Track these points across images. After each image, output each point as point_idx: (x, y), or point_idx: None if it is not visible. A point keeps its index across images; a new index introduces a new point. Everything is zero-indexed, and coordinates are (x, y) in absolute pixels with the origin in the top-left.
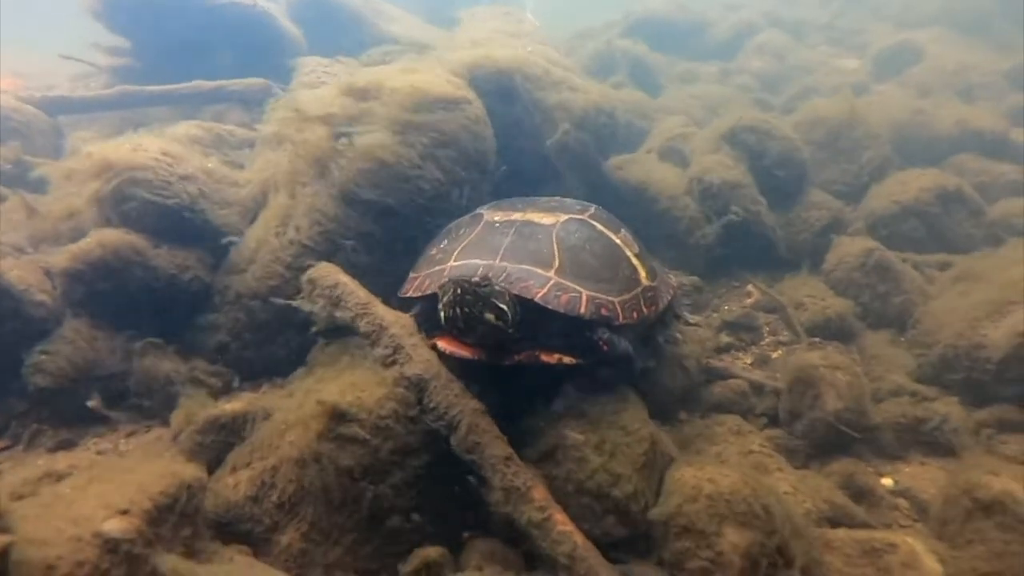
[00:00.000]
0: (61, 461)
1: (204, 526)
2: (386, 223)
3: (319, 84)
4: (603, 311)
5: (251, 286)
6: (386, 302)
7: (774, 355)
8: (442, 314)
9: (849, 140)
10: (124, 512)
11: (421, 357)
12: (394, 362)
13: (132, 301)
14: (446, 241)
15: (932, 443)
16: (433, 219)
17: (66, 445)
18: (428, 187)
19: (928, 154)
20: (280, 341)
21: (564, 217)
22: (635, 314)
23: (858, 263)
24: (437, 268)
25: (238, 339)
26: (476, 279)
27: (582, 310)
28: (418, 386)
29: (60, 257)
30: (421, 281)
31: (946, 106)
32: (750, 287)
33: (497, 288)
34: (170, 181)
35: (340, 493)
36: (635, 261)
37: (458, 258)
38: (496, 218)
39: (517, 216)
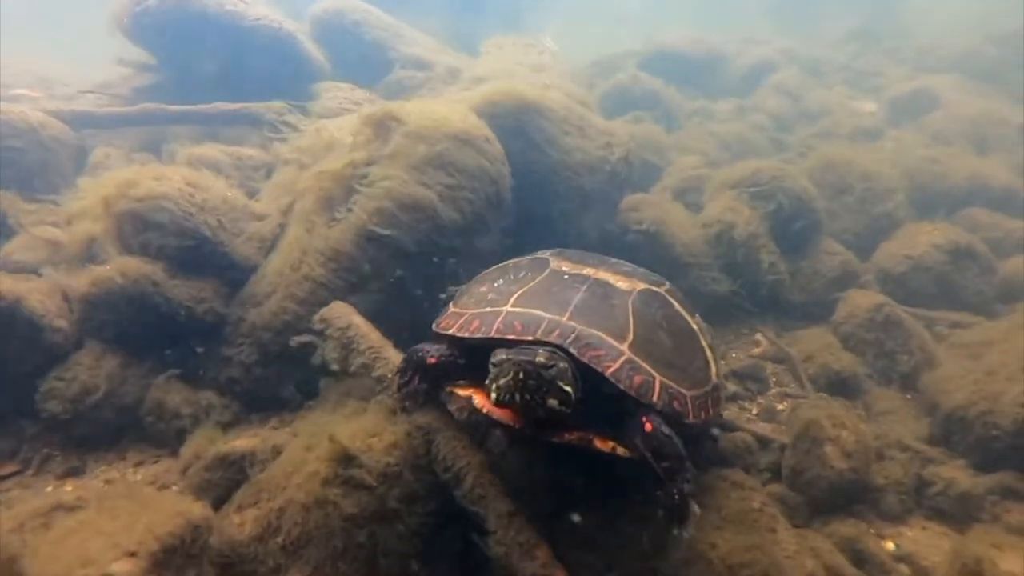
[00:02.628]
0: (70, 492)
1: (209, 565)
2: (402, 262)
3: (341, 111)
4: (675, 404)
5: (265, 320)
6: (399, 344)
7: (780, 407)
8: (493, 394)
9: (862, 189)
10: (132, 554)
11: (432, 406)
12: (404, 409)
13: (148, 329)
14: (501, 281)
15: (935, 507)
16: (452, 259)
17: (75, 472)
18: (447, 226)
19: (940, 204)
20: (289, 376)
21: (641, 285)
22: (703, 414)
23: (867, 318)
24: (490, 310)
25: (248, 373)
26: (541, 360)
27: (654, 398)
28: (427, 435)
29: (80, 281)
30: (468, 320)
31: (960, 157)
32: (758, 336)
33: (562, 365)
34: (191, 212)
35: (344, 539)
36: (709, 353)
37: (517, 303)
38: (564, 268)
39: (588, 272)
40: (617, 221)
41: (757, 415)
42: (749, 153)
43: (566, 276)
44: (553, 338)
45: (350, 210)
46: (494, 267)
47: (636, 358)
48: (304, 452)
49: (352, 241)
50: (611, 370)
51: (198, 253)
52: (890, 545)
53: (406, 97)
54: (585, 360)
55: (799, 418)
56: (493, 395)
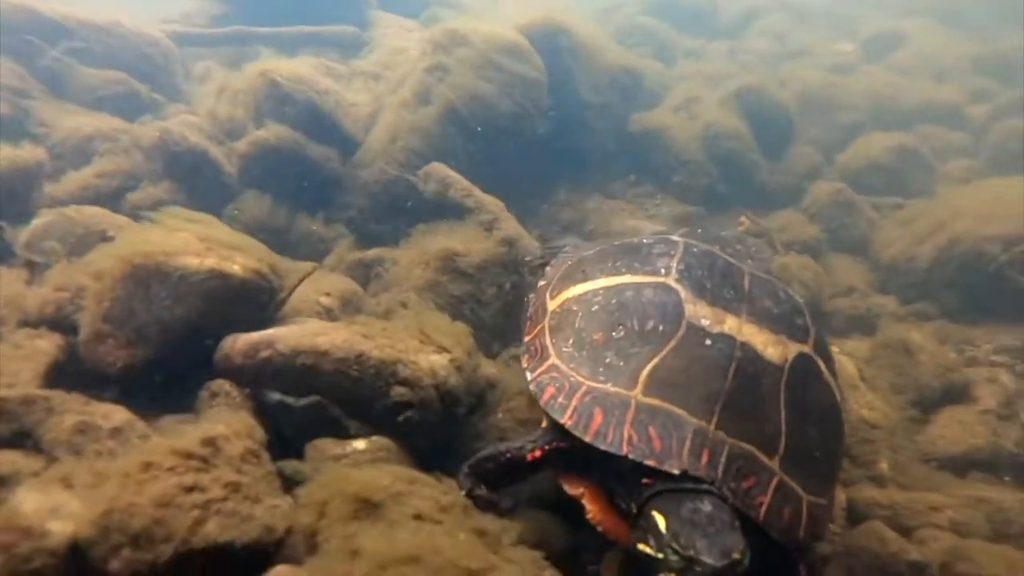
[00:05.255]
0: None
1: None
2: (470, 139)
3: (396, 35)
4: (818, 531)
5: (373, 176)
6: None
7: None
8: (653, 560)
9: (832, 106)
10: (327, 294)
11: (513, 226)
12: (491, 227)
13: (292, 180)
14: (622, 330)
15: (872, 325)
16: (505, 140)
17: None
18: (504, 115)
19: (898, 123)
20: (393, 218)
21: (793, 350)
22: (831, 516)
23: (829, 200)
24: (613, 390)
25: (362, 214)
26: (737, 557)
27: (801, 535)
28: (510, 243)
29: (242, 144)
30: (586, 405)
31: (917, 84)
32: (742, 217)
33: (745, 559)
34: (319, 92)
35: (452, 312)
36: (845, 428)
37: (650, 388)
38: (703, 322)
39: (732, 326)
40: (629, 128)
41: None
42: None
43: (708, 341)
44: (703, 469)
45: (431, 101)
46: (602, 272)
47: (786, 478)
48: (421, 253)
49: (434, 123)
50: (763, 512)
51: (323, 124)
52: (835, 349)
53: None
54: (738, 505)
55: (776, 265)
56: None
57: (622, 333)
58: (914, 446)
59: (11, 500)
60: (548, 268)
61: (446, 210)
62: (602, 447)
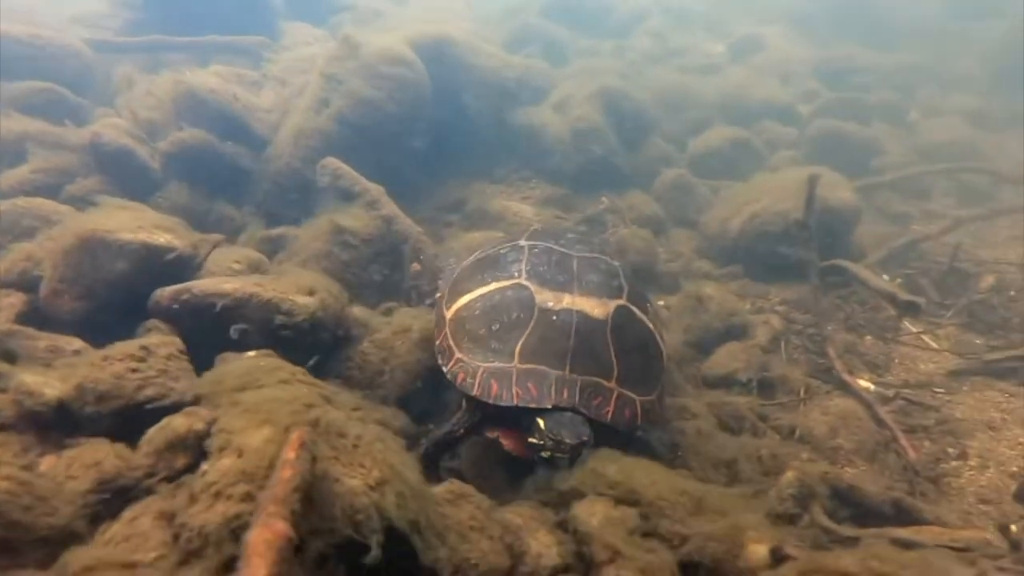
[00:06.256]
0: None
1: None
2: (363, 137)
3: (304, 44)
4: (650, 417)
5: (280, 169)
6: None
7: (611, 240)
8: (545, 455)
9: (685, 104)
10: (237, 262)
11: (391, 207)
12: (373, 207)
13: (208, 173)
14: (498, 324)
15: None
16: (394, 138)
17: None
18: (390, 116)
19: (743, 118)
20: (295, 203)
21: (612, 306)
22: (663, 406)
23: (672, 183)
24: (500, 365)
25: (269, 199)
26: (585, 439)
27: (638, 422)
28: (388, 220)
29: (164, 143)
30: (485, 380)
31: (762, 85)
32: (603, 198)
33: (589, 434)
34: (229, 100)
35: (341, 275)
36: (662, 345)
37: (524, 357)
38: (549, 303)
39: (567, 302)
40: (511, 123)
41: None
42: None
43: (554, 317)
44: (565, 400)
45: (329, 106)
46: (476, 284)
47: (623, 390)
48: (316, 230)
49: (332, 124)
50: (610, 415)
51: (235, 126)
52: (662, 302)
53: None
54: (592, 415)
55: (616, 237)
56: (544, 455)
57: (498, 326)
58: (696, 371)
59: (16, 378)
60: (440, 282)
61: (338, 195)
62: (501, 404)
